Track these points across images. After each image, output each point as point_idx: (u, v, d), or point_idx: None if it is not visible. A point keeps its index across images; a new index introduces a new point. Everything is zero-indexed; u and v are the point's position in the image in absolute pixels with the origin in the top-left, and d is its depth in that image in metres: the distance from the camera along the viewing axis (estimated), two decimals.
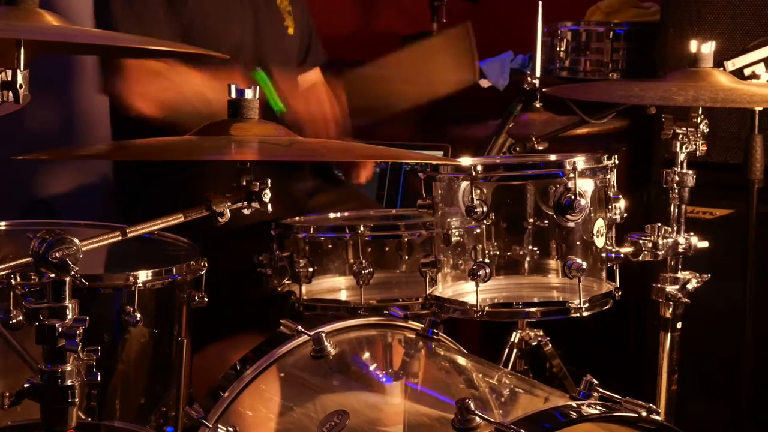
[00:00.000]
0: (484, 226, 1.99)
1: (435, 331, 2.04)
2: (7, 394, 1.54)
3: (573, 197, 1.97)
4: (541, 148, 2.54)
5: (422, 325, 2.06)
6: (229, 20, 2.67)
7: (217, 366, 2.25)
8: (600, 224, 2.04)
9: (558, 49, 3.35)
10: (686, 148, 2.16)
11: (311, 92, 2.61)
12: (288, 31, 2.83)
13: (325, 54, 3.01)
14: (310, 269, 2.25)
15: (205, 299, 2.06)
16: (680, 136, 2.15)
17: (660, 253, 2.14)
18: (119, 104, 2.56)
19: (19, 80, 1.42)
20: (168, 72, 2.50)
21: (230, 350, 2.28)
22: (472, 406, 1.58)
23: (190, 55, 2.56)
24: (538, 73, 2.63)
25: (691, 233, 2.18)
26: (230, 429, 1.85)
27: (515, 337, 2.38)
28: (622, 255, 2.07)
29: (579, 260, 1.99)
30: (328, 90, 2.91)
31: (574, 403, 1.67)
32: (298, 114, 2.52)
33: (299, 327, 1.99)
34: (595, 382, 1.75)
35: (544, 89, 2.56)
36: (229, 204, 1.66)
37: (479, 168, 1.98)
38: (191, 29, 2.59)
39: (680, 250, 2.17)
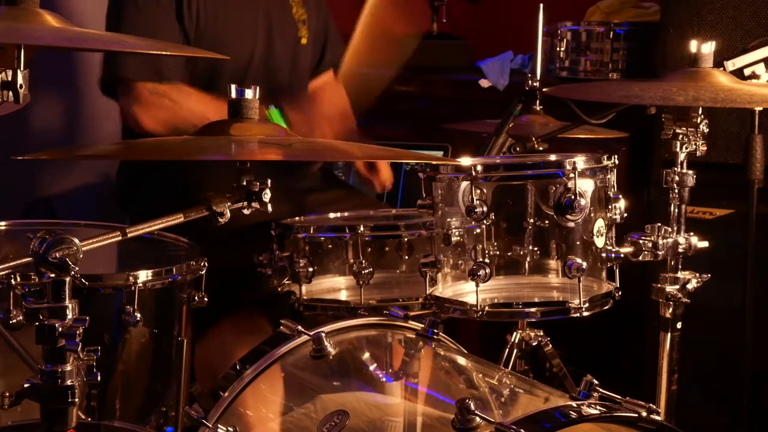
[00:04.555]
0: (484, 226, 1.99)
1: (435, 331, 2.04)
2: (7, 394, 1.55)
3: (573, 197, 1.97)
4: (541, 148, 2.54)
5: (422, 325, 2.06)
6: (239, 33, 2.67)
7: (217, 365, 2.25)
8: (600, 224, 2.04)
9: (558, 49, 3.34)
10: (686, 148, 2.15)
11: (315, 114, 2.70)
12: (302, 42, 2.82)
13: (341, 51, 3.01)
14: (310, 269, 2.25)
15: (205, 299, 2.06)
16: (680, 136, 2.15)
17: (660, 253, 2.13)
18: (128, 123, 2.60)
19: (19, 80, 1.42)
20: (172, 92, 2.52)
21: (230, 350, 2.28)
22: (472, 406, 1.58)
23: (194, 58, 2.58)
24: (539, 74, 2.62)
25: (691, 233, 2.18)
26: (230, 429, 1.85)
27: (515, 337, 2.38)
28: (622, 255, 2.07)
29: (579, 260, 1.99)
30: (331, 93, 2.93)
31: (574, 403, 1.67)
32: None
33: (299, 327, 1.99)
34: (595, 382, 1.75)
35: (544, 89, 2.56)
36: (229, 204, 1.66)
37: (479, 168, 1.98)
38: (200, 40, 2.59)
39: (680, 250, 2.17)
